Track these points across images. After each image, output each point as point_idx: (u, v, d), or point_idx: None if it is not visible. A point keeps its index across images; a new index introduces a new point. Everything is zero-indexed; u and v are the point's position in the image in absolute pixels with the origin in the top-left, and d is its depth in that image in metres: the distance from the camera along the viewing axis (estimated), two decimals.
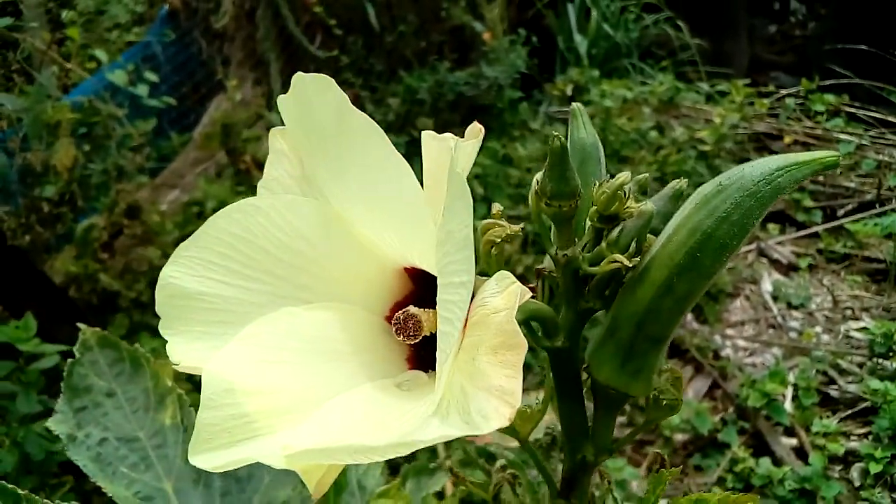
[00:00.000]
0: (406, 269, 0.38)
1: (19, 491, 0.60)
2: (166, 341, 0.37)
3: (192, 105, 3.45)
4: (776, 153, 0.44)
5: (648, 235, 0.40)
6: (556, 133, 0.37)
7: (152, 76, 2.71)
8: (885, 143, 3.37)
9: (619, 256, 0.38)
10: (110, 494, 0.64)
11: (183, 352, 0.35)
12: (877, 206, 3.12)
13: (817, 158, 0.37)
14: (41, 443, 1.70)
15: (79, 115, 2.43)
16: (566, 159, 0.38)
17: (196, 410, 0.70)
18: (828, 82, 3.61)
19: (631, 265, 0.38)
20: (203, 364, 0.33)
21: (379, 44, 3.58)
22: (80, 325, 0.73)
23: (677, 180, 0.42)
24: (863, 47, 3.57)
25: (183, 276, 0.36)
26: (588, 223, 0.41)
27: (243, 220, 0.35)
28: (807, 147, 3.44)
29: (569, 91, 3.68)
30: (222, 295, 0.36)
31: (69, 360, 0.71)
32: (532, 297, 0.39)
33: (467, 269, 0.28)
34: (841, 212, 3.22)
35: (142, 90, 2.62)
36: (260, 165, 2.11)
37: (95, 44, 2.95)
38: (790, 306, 2.87)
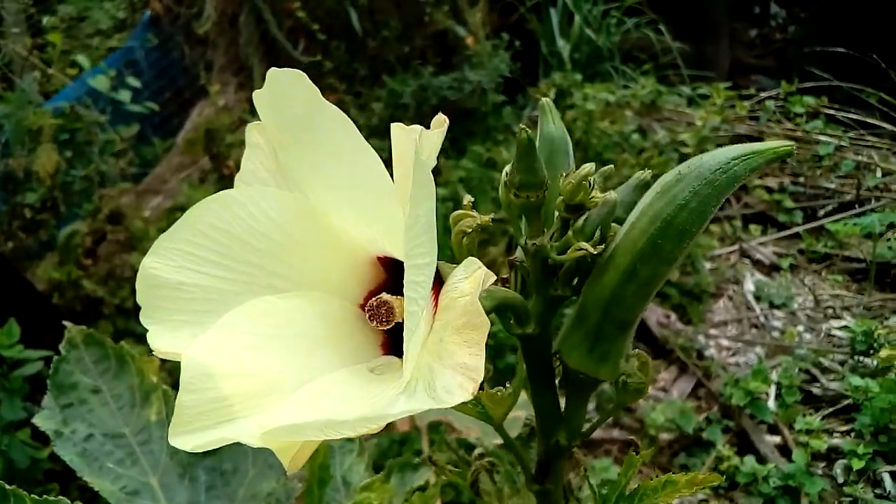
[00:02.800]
0: (379, 258, 0.39)
1: (6, 486, 0.61)
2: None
3: (175, 110, 3.45)
4: None
5: (613, 224, 0.42)
6: (522, 126, 0.39)
7: (135, 82, 2.71)
8: (863, 145, 3.42)
9: (584, 244, 0.39)
10: (97, 489, 0.65)
11: (163, 340, 0.37)
12: (856, 206, 3.16)
13: (771, 148, 0.38)
14: (26, 450, 1.70)
15: (61, 120, 2.42)
16: (533, 151, 0.39)
17: None
18: (807, 85, 3.66)
19: (596, 252, 0.40)
20: (182, 350, 0.34)
21: (362, 48, 3.59)
22: (66, 323, 0.74)
23: (641, 171, 0.43)
24: (841, 50, 3.62)
25: (162, 266, 0.37)
26: (556, 213, 0.42)
27: (221, 211, 0.37)
28: None
29: (552, 95, 3.70)
30: (201, 285, 0.37)
31: (55, 358, 0.72)
32: (500, 283, 0.40)
33: (430, 251, 0.29)
34: (821, 212, 3.26)
35: (124, 96, 2.62)
36: None
37: (77, 49, 2.94)
38: (772, 306, 2.91)
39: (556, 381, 0.48)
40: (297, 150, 0.36)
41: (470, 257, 0.33)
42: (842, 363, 2.52)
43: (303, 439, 0.29)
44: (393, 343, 0.39)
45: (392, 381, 0.32)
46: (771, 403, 2.38)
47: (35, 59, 2.52)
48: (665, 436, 2.37)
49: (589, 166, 0.40)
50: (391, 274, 0.40)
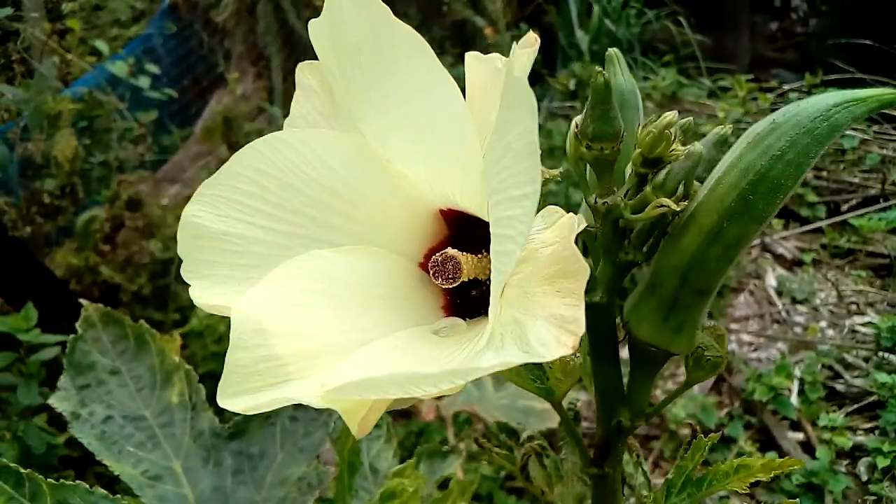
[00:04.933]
0: (442, 211, 0.36)
1: (21, 470, 0.58)
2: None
3: (193, 99, 3.43)
4: None
5: (694, 182, 0.38)
6: (599, 69, 0.35)
7: (153, 68, 2.69)
8: (888, 139, 3.36)
9: (665, 200, 0.36)
10: (117, 473, 0.62)
11: (206, 295, 0.33)
12: (881, 200, 3.11)
13: (875, 95, 0.35)
14: (42, 436, 1.68)
15: (80, 106, 2.40)
16: (610, 98, 0.36)
17: (204, 388, 0.68)
18: (831, 77, 3.60)
19: (679, 209, 0.36)
20: (229, 305, 0.31)
21: None
22: (83, 301, 0.71)
23: (720, 126, 0.40)
24: (865, 42, 3.56)
25: (206, 215, 0.34)
26: (630, 169, 0.39)
27: (270, 155, 0.33)
28: None
29: (571, 86, 3.66)
30: (247, 236, 0.34)
31: (71, 337, 0.69)
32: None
33: (531, 180, 0.25)
34: (845, 207, 3.21)
35: (143, 82, 2.60)
36: None
37: (96, 36, 2.92)
38: (794, 301, 2.86)
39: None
40: (360, 82, 0.32)
41: (549, 206, 0.30)
42: (866, 359, 2.48)
43: (377, 396, 0.25)
44: (457, 304, 0.36)
45: (465, 343, 0.29)
46: (794, 399, 2.34)
47: (54, 45, 2.50)
48: (685, 431, 2.33)
49: (671, 114, 0.36)
50: (455, 230, 0.36)
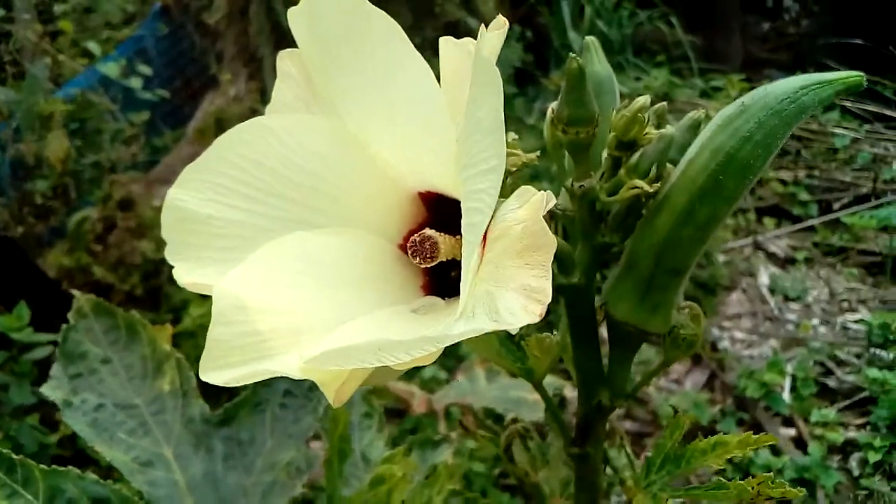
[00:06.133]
0: (421, 193, 0.37)
1: (13, 456, 0.59)
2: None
3: (185, 100, 3.43)
4: None
5: (667, 165, 0.39)
6: (573, 55, 0.36)
7: (145, 69, 2.69)
8: (879, 137, 3.38)
9: (639, 182, 0.37)
10: (109, 459, 0.63)
11: (190, 277, 0.34)
12: (872, 198, 3.13)
13: (840, 78, 0.36)
14: (34, 435, 1.68)
15: (72, 107, 2.40)
16: (584, 83, 0.37)
17: (196, 375, 0.68)
18: None
19: (652, 190, 0.37)
20: (212, 284, 0.31)
21: None
22: (74, 292, 0.72)
23: (695, 111, 0.41)
24: (857, 42, 3.58)
25: (190, 198, 0.34)
26: (605, 154, 0.40)
27: (253, 140, 0.34)
28: (801, 140, 3.45)
29: None
30: (231, 219, 0.35)
31: (64, 327, 0.70)
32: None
33: (497, 154, 0.26)
34: (837, 205, 3.23)
35: (135, 83, 2.60)
36: None
37: (88, 38, 2.93)
38: (787, 299, 2.88)
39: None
40: (337, 67, 0.33)
41: (523, 186, 0.30)
42: (857, 356, 2.50)
43: (352, 366, 0.26)
44: (435, 284, 0.37)
45: (441, 319, 0.30)
46: (786, 396, 2.35)
47: (46, 46, 2.50)
48: None
49: (644, 98, 0.37)
50: (434, 212, 0.37)
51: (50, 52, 2.52)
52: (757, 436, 0.42)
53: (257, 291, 0.31)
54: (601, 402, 0.45)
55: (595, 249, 0.41)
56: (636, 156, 0.37)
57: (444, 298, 0.35)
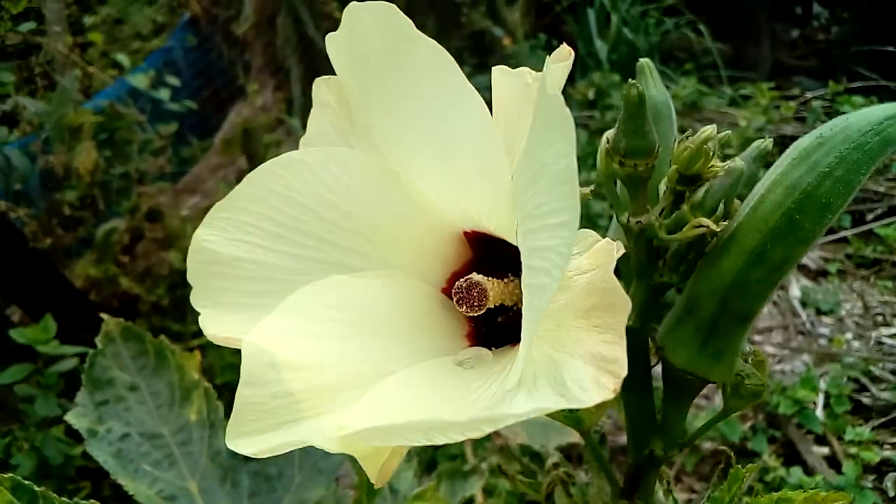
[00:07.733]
0: (466, 233, 0.34)
1: (35, 488, 0.57)
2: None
3: (213, 111, 3.45)
4: None
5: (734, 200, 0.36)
6: (633, 81, 0.33)
7: (174, 80, 2.70)
8: None
9: (705, 220, 0.33)
10: (132, 493, 0.60)
11: (218, 325, 0.31)
12: None
13: None
14: (59, 447, 1.68)
15: (101, 118, 2.41)
16: (644, 111, 0.33)
17: (222, 401, 0.66)
18: (855, 84, 3.55)
19: (719, 229, 0.34)
20: (241, 335, 0.29)
21: None
22: (104, 316, 0.70)
23: (760, 139, 0.37)
24: (890, 49, 3.51)
25: (218, 239, 0.32)
26: (664, 187, 0.36)
27: (286, 176, 0.31)
28: None
29: (591, 95, 3.64)
30: (261, 261, 0.32)
31: (91, 352, 0.68)
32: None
33: (568, 207, 0.22)
34: (870, 216, 3.16)
35: (163, 94, 2.61)
36: None
37: (117, 49, 2.95)
38: (819, 312, 2.81)
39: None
40: (380, 98, 0.30)
41: (582, 229, 0.27)
42: (893, 372, 2.43)
43: (398, 443, 0.23)
44: (481, 332, 0.34)
45: (490, 377, 0.27)
46: (819, 413, 2.29)
47: (76, 58, 2.52)
48: (708, 445, 2.29)
49: (710, 128, 0.34)
50: (479, 253, 0.34)
51: (80, 64, 2.54)
52: (825, 494, 0.38)
53: (289, 345, 0.29)
54: (654, 451, 0.42)
55: (651, 290, 0.38)
56: (701, 191, 0.34)
57: (491, 348, 0.32)
